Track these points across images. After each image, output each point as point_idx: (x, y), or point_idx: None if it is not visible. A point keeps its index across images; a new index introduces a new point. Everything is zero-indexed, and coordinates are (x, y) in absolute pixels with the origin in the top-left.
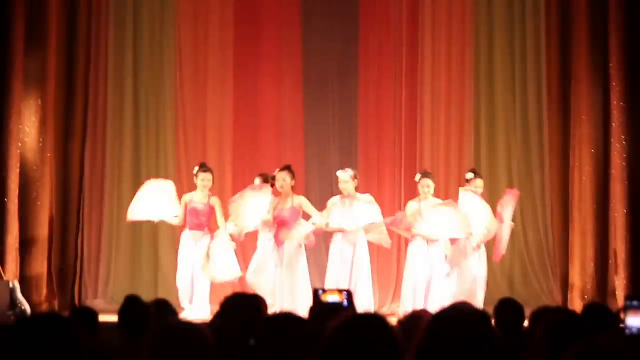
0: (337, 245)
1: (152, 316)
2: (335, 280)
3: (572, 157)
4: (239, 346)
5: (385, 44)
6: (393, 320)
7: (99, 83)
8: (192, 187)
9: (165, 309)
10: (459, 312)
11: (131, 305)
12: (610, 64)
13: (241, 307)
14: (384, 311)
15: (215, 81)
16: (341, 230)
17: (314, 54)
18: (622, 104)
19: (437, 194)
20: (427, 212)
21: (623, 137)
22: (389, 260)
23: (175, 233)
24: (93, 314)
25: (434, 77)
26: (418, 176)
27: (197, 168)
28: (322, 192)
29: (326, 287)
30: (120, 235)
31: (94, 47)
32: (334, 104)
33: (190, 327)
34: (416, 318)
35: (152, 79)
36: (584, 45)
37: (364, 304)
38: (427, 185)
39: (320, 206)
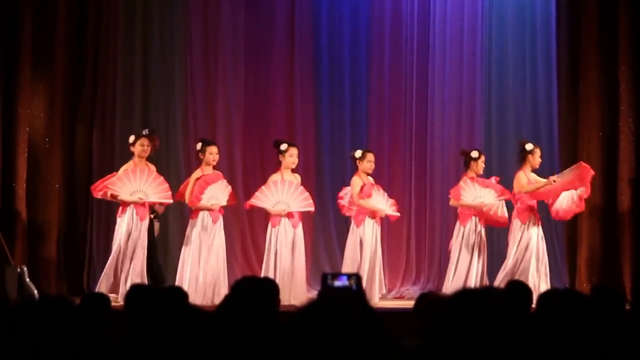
0: (370, 227)
1: (159, 303)
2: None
3: (580, 140)
4: (248, 331)
5: (397, 28)
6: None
7: (107, 68)
8: None
9: (175, 296)
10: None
11: (137, 295)
12: (620, 48)
13: (251, 291)
14: (393, 294)
15: (225, 69)
16: (376, 213)
17: (324, 43)
18: (630, 87)
19: (446, 176)
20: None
21: (631, 120)
22: (399, 243)
23: (184, 218)
24: (105, 300)
25: (444, 60)
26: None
27: (200, 144)
28: (333, 181)
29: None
30: None
31: (104, 32)
32: (345, 92)
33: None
34: (429, 299)
35: (162, 66)
36: (594, 28)
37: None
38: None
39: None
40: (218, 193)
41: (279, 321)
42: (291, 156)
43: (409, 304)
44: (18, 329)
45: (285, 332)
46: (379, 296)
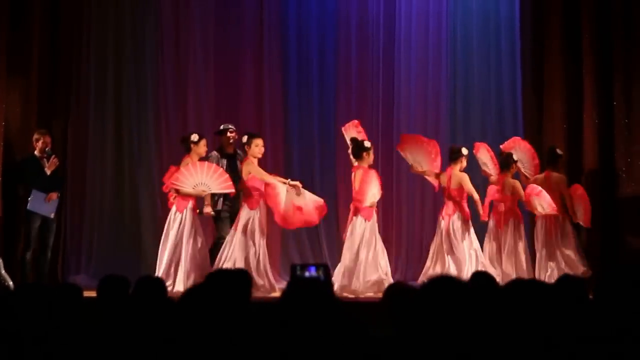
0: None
1: (133, 293)
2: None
3: (544, 133)
4: (221, 320)
5: (363, 26)
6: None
7: (81, 62)
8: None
9: (151, 286)
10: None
11: (109, 286)
12: (583, 42)
13: (224, 282)
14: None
15: (196, 65)
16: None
17: (293, 41)
18: (594, 80)
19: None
20: None
21: (595, 112)
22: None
23: (154, 206)
24: (77, 290)
25: (410, 57)
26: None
27: (246, 137)
28: (302, 173)
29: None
30: (103, 211)
31: (77, 30)
32: (313, 89)
33: None
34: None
35: (134, 60)
36: (557, 23)
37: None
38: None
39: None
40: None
41: (250, 312)
42: (257, 146)
43: (379, 295)
44: None
45: (257, 323)
46: None
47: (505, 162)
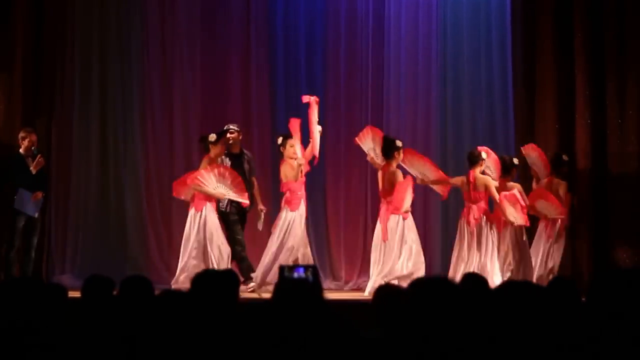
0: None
1: (119, 293)
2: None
3: (536, 134)
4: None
5: (352, 25)
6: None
7: (65, 61)
8: (160, 167)
9: (136, 286)
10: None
11: (93, 286)
12: (575, 41)
13: (212, 283)
14: (349, 286)
15: (182, 62)
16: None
17: (280, 41)
18: (586, 80)
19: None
20: None
21: (587, 113)
22: (355, 235)
23: (140, 206)
24: (61, 290)
25: (399, 57)
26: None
27: (281, 138)
28: None
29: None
30: (88, 211)
31: (61, 28)
32: (301, 89)
33: None
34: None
35: (120, 60)
36: (549, 21)
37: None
38: None
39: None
40: None
41: (238, 312)
42: (291, 147)
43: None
44: None
45: (244, 324)
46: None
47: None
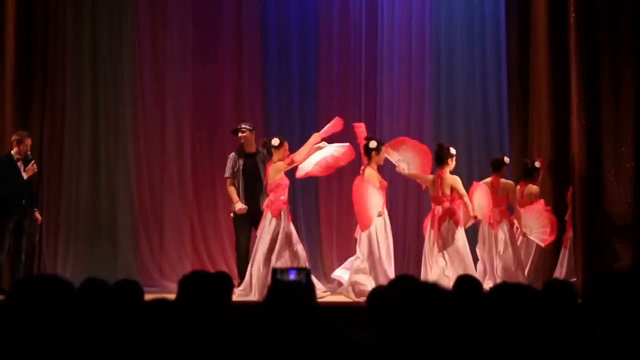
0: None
1: (113, 297)
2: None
3: (530, 135)
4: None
5: (345, 25)
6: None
7: (57, 62)
8: (152, 168)
9: (129, 289)
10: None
11: (89, 288)
12: (570, 41)
13: (201, 286)
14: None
15: (174, 61)
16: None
17: (273, 40)
18: (581, 80)
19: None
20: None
21: (583, 114)
22: (348, 237)
23: (132, 208)
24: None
25: (393, 57)
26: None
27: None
28: None
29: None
30: (79, 214)
31: (52, 30)
32: (294, 89)
33: None
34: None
35: (111, 60)
36: (543, 21)
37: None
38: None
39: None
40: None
41: (230, 315)
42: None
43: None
44: None
45: (236, 326)
46: None
47: (497, 163)
